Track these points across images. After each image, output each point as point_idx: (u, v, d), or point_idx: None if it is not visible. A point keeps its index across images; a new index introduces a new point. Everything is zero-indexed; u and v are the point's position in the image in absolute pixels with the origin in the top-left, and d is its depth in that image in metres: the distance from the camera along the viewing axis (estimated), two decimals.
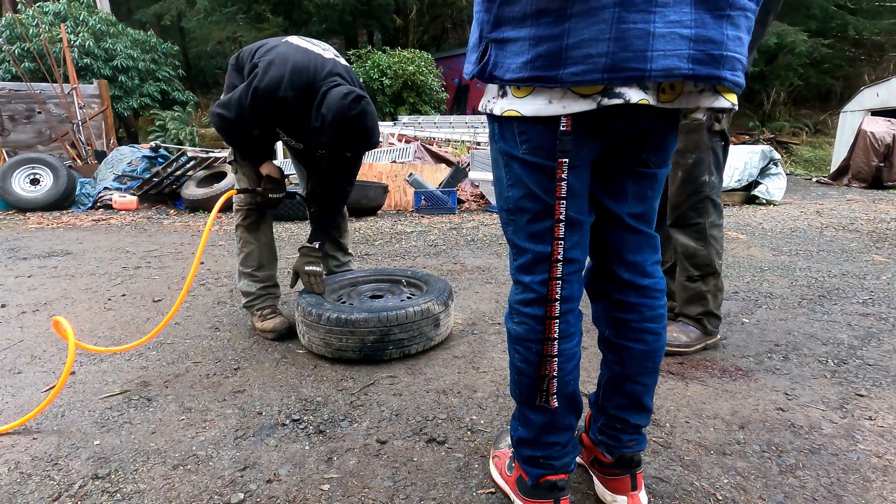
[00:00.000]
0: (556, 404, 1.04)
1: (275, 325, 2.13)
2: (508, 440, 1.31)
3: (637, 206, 1.06)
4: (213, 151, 6.21)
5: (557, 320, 1.01)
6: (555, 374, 1.02)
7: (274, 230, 2.42)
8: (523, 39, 0.87)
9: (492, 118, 1.01)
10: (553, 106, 0.89)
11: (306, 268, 2.15)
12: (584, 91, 0.86)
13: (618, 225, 1.07)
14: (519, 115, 0.93)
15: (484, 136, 8.71)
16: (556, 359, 1.02)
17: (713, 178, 1.94)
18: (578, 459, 1.28)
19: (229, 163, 2.23)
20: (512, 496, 1.17)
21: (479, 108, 1.04)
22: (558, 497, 1.09)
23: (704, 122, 1.89)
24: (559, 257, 0.99)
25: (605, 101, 0.86)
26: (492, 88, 1.00)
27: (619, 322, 1.10)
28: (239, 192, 2.16)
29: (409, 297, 2.17)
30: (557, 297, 1.00)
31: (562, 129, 0.91)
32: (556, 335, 1.01)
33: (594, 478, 1.23)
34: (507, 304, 1.07)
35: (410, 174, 6.29)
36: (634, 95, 0.85)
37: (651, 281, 1.09)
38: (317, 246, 2.21)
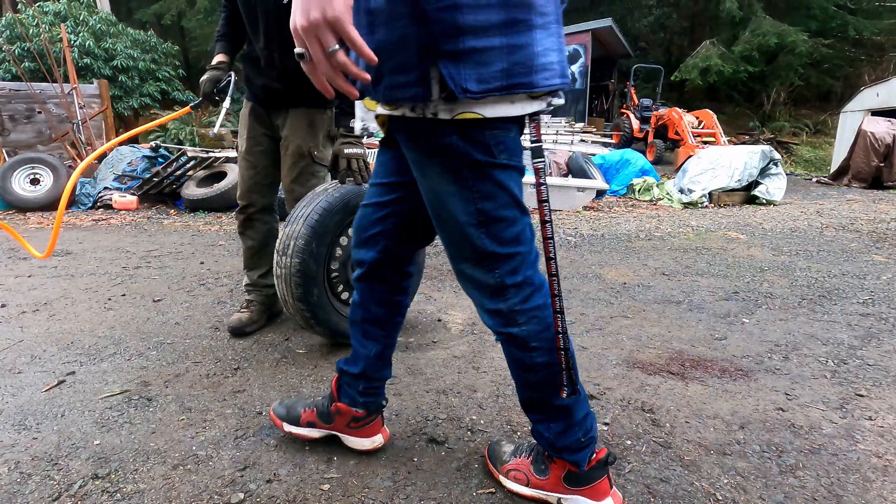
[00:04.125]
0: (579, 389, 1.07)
1: (232, 318, 2.20)
2: (511, 448, 1.26)
3: None
4: (213, 151, 6.20)
5: (560, 315, 1.03)
6: (571, 362, 1.05)
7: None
8: (496, 49, 0.88)
9: (439, 128, 0.95)
10: (516, 107, 0.95)
11: (346, 150, 1.80)
12: (538, 95, 0.96)
13: None
14: (482, 117, 0.92)
15: None
16: (569, 349, 1.05)
17: None
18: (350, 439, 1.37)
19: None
20: (557, 497, 1.14)
21: (383, 113, 1.01)
22: (608, 472, 1.12)
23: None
24: (552, 255, 1.01)
25: (555, 101, 0.99)
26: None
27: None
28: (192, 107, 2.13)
29: None
30: (557, 292, 1.03)
31: (531, 131, 1.00)
32: (560, 329, 1.04)
33: (348, 436, 1.35)
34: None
35: None
36: (556, 100, 1.01)
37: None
38: (352, 126, 1.84)
